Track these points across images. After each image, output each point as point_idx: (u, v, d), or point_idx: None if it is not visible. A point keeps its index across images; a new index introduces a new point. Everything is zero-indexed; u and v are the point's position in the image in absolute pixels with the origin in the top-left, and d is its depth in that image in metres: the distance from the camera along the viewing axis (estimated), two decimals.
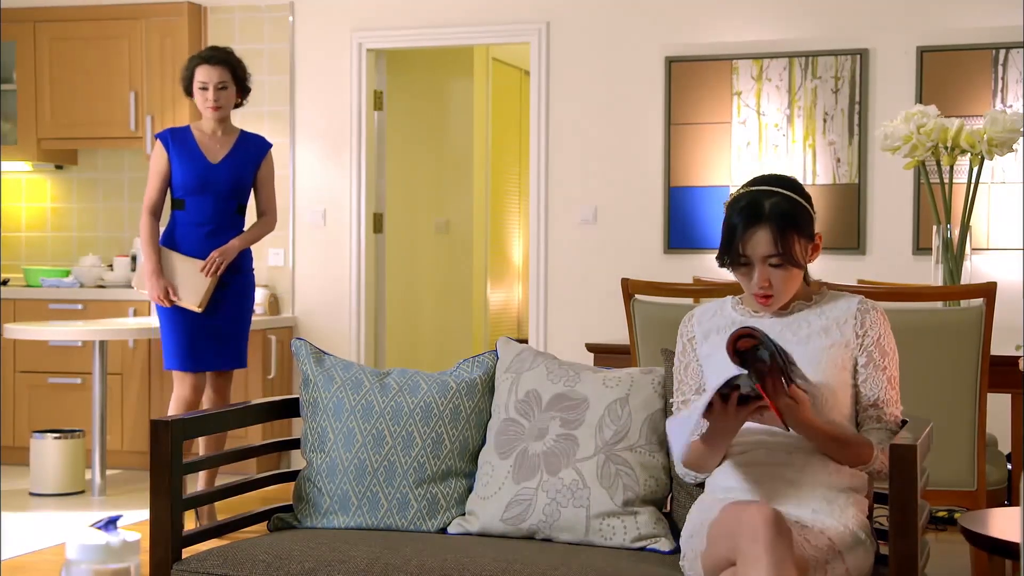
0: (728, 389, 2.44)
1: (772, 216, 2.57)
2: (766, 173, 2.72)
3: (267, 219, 5.16)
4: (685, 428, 2.47)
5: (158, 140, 5.04)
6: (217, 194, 5.01)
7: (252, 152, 5.11)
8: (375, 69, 6.83)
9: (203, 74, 5.00)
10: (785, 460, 2.57)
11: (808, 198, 2.66)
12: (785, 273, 2.60)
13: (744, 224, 2.59)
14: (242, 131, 5.15)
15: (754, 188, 2.64)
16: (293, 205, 6.80)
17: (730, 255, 2.62)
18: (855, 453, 2.54)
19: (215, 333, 5.04)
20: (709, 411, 2.47)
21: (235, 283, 5.08)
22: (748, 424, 2.56)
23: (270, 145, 5.18)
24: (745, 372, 2.41)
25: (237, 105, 5.13)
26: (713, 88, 6.12)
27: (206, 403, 5.09)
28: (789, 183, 2.66)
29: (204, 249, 5.01)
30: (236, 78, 5.07)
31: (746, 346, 2.43)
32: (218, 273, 4.95)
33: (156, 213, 5.04)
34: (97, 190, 7.21)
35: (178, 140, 5.04)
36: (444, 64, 7.95)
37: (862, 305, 2.66)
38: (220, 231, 5.03)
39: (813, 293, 2.71)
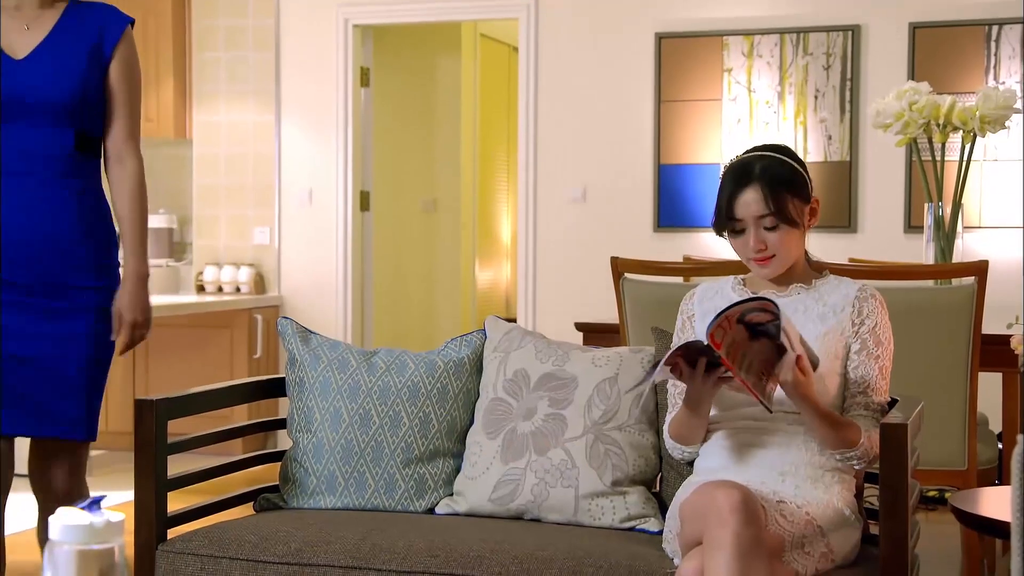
0: (694, 355, 2.42)
1: (762, 175, 2.57)
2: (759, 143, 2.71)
3: (131, 167, 2.92)
4: (648, 376, 2.47)
5: None
6: (32, 116, 2.83)
7: (91, 29, 2.91)
8: (361, 45, 6.78)
9: None
10: (771, 439, 2.55)
11: (802, 164, 2.65)
12: (781, 234, 2.57)
13: (734, 186, 2.58)
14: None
15: (745, 153, 2.65)
16: (279, 183, 6.75)
17: (724, 220, 2.60)
18: (843, 436, 2.52)
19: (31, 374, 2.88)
20: (681, 374, 2.47)
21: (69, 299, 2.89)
22: (735, 402, 2.55)
23: (128, 18, 3.00)
24: (700, 341, 2.40)
25: None
26: (704, 65, 6.08)
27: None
28: (781, 148, 2.66)
29: (26, 230, 2.84)
30: None
31: (758, 320, 2.40)
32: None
33: None
34: None
35: None
36: (431, 40, 7.90)
37: (861, 292, 2.63)
38: (46, 194, 2.85)
39: (814, 276, 2.68)
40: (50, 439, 2.92)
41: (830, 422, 2.51)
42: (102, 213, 2.94)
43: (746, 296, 2.66)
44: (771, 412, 2.48)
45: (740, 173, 2.59)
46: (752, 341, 2.41)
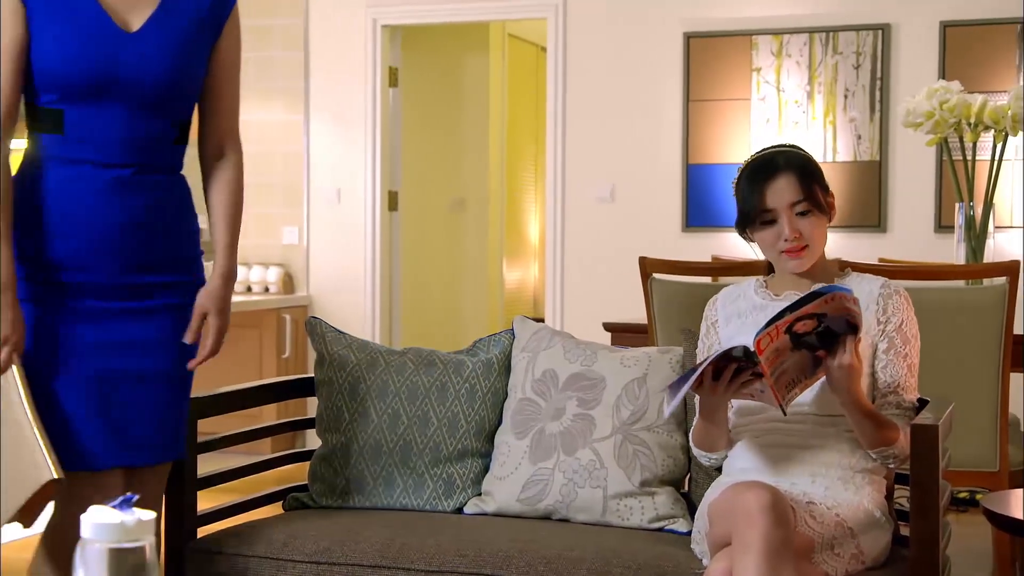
0: (725, 362, 2.39)
1: (790, 164, 2.56)
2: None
3: (233, 159, 2.69)
4: (677, 390, 2.42)
5: None
6: (133, 98, 2.50)
7: (199, 5, 2.60)
8: (390, 45, 6.79)
9: None
10: (801, 442, 2.54)
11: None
12: (815, 220, 2.56)
13: (763, 178, 2.56)
14: None
15: (759, 153, 2.64)
16: (308, 183, 6.77)
17: (752, 214, 2.57)
18: (884, 434, 2.49)
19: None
20: (699, 384, 2.42)
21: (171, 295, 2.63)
22: (759, 406, 2.53)
23: None
24: (742, 346, 2.36)
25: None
26: (732, 64, 6.06)
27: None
28: (792, 146, 2.66)
29: (108, 226, 2.52)
30: None
31: (803, 330, 2.36)
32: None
33: (9, 133, 2.51)
34: None
35: None
36: (459, 40, 7.90)
37: (884, 289, 2.60)
38: (140, 182, 2.54)
39: (835, 275, 2.66)
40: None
41: (872, 419, 2.48)
42: (190, 204, 2.66)
43: (768, 298, 2.64)
44: (784, 415, 2.45)
45: (765, 166, 2.58)
46: (793, 352, 2.39)
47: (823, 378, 2.45)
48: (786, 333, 2.35)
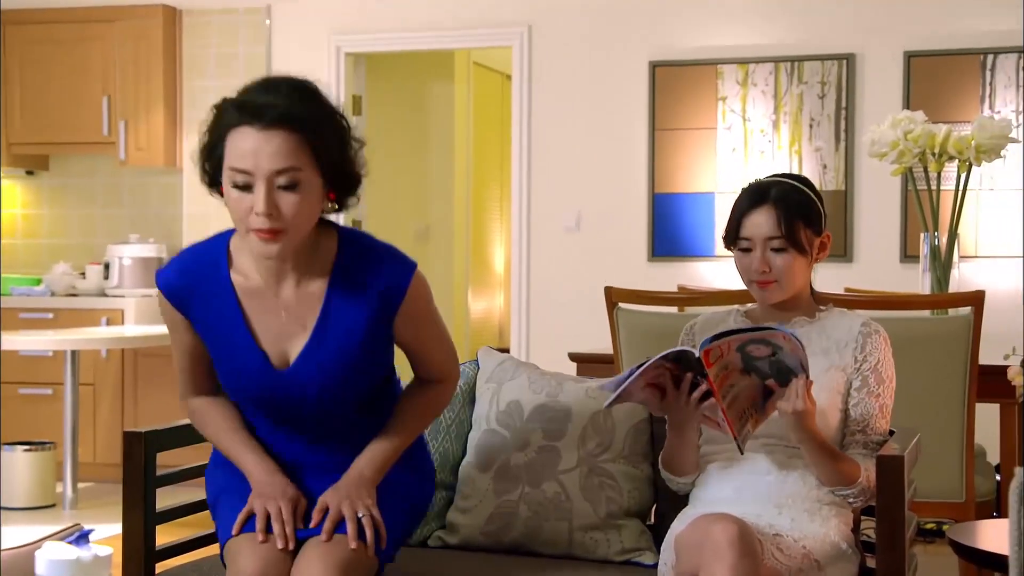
0: (684, 370, 2.40)
1: (777, 199, 2.57)
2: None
3: (443, 388, 2.56)
4: (616, 381, 2.43)
5: (159, 290, 2.44)
6: (298, 404, 2.41)
7: (368, 297, 2.38)
8: (354, 73, 6.76)
9: (242, 143, 2.24)
10: (768, 472, 2.53)
11: (819, 197, 2.65)
12: (788, 258, 2.56)
13: (748, 205, 2.58)
14: (343, 242, 2.43)
15: (764, 178, 2.66)
16: None
17: (733, 237, 2.60)
18: (843, 471, 2.50)
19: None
20: (663, 396, 2.45)
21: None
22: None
23: (411, 270, 2.43)
24: (695, 351, 2.37)
25: (331, 212, 2.44)
26: (698, 93, 6.07)
27: None
28: (801, 178, 2.67)
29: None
30: (319, 152, 2.30)
31: (757, 354, 2.38)
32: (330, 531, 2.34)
33: (214, 392, 2.54)
34: (69, 196, 7.11)
35: (199, 295, 2.41)
36: (424, 68, 7.89)
37: (865, 328, 2.61)
38: (327, 461, 2.46)
39: (817, 309, 2.66)
40: None
41: (830, 457, 2.49)
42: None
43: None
44: (742, 453, 2.47)
45: (755, 194, 2.59)
46: (743, 375, 2.39)
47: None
48: (738, 352, 2.35)
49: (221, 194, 2.31)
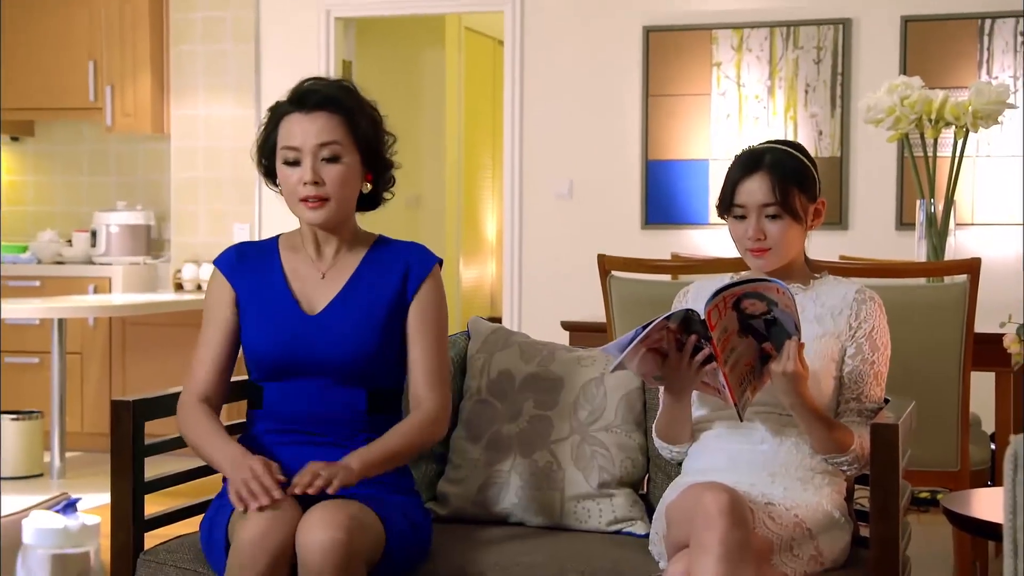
0: (683, 333, 2.39)
1: (771, 165, 2.55)
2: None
3: (425, 407, 2.62)
4: (620, 344, 2.41)
5: (215, 267, 2.74)
6: (318, 377, 2.61)
7: (394, 276, 2.67)
8: (344, 38, 6.70)
9: (291, 127, 2.62)
10: (761, 440, 2.52)
11: (814, 163, 2.63)
12: (783, 225, 2.54)
13: (741, 172, 2.56)
14: (381, 238, 2.78)
15: (758, 144, 2.64)
16: (259, 179, 6.65)
17: (727, 204, 2.58)
18: (836, 438, 2.49)
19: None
20: (664, 360, 2.43)
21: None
22: (722, 402, 2.51)
23: (435, 260, 2.73)
24: (699, 312, 2.36)
25: (369, 199, 2.80)
26: (692, 59, 6.02)
27: None
28: (795, 144, 2.65)
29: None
30: (356, 133, 2.65)
31: (752, 311, 2.36)
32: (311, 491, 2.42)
33: (211, 403, 2.68)
34: (55, 163, 7.06)
35: (249, 268, 2.71)
36: (415, 33, 7.83)
37: (859, 295, 2.59)
38: (330, 449, 2.58)
39: (811, 276, 2.65)
40: None
41: (823, 423, 2.48)
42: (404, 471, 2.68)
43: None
44: (742, 420, 2.46)
45: (749, 160, 2.57)
46: (741, 337, 2.37)
47: None
48: (734, 310, 2.35)
49: (276, 184, 2.71)
